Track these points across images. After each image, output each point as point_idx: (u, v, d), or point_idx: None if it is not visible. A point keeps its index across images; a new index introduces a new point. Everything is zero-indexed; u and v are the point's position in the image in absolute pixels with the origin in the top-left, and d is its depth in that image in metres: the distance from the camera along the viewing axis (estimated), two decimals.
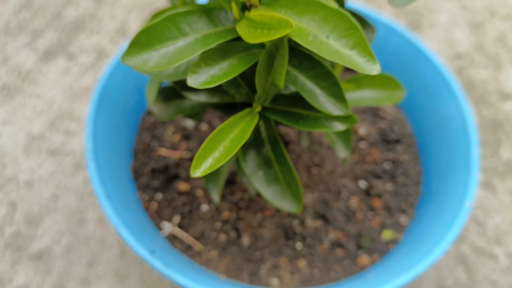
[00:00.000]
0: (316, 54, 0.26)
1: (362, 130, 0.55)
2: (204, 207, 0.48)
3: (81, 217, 0.55)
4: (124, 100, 0.51)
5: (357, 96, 0.38)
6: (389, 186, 0.51)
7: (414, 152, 0.54)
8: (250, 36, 0.22)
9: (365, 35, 0.31)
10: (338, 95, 0.26)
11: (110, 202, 0.39)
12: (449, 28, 0.75)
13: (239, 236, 0.46)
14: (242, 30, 0.23)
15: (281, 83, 0.26)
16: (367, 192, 0.50)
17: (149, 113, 0.56)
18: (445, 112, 0.49)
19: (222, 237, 0.46)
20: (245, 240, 0.46)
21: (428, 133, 0.52)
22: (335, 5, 0.22)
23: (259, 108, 0.28)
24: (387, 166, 0.52)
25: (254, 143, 0.31)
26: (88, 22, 0.75)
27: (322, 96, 0.27)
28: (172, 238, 0.46)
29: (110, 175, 0.44)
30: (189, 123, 0.54)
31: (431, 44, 0.73)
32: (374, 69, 0.21)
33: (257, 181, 0.31)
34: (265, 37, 0.21)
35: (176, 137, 0.54)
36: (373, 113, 0.57)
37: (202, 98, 0.30)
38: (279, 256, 0.46)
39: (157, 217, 0.47)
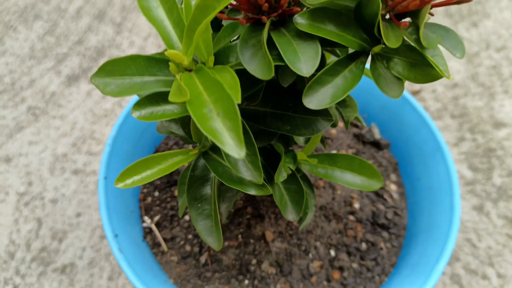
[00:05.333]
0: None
1: (357, 204, 0.53)
2: (187, 216, 0.52)
3: (101, 233, 0.57)
4: (136, 140, 0.55)
5: (334, 173, 0.38)
6: (355, 265, 0.49)
7: (398, 245, 0.51)
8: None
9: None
10: (255, 164, 0.30)
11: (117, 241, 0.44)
12: (447, 58, 0.77)
13: (200, 252, 0.49)
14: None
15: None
16: (331, 263, 0.49)
17: (159, 147, 0.59)
18: (439, 205, 0.49)
19: (187, 247, 0.50)
20: (203, 258, 0.49)
21: (420, 230, 0.50)
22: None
23: (196, 151, 0.33)
24: (363, 246, 0.51)
25: (201, 180, 0.35)
26: (108, 48, 0.78)
27: (243, 165, 0.30)
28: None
29: (119, 216, 0.48)
30: None
31: None
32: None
33: (194, 212, 0.34)
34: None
35: None
36: (377, 193, 0.55)
37: (173, 126, 0.35)
38: (225, 284, 0.47)
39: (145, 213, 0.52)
